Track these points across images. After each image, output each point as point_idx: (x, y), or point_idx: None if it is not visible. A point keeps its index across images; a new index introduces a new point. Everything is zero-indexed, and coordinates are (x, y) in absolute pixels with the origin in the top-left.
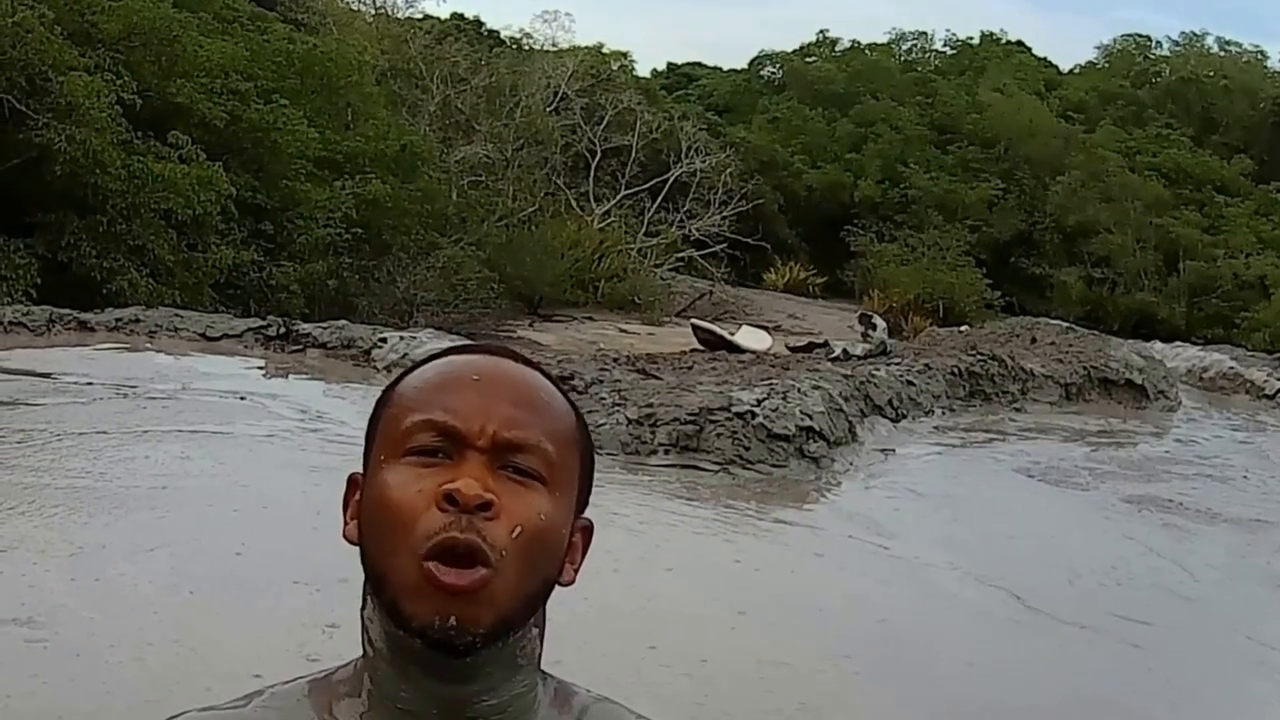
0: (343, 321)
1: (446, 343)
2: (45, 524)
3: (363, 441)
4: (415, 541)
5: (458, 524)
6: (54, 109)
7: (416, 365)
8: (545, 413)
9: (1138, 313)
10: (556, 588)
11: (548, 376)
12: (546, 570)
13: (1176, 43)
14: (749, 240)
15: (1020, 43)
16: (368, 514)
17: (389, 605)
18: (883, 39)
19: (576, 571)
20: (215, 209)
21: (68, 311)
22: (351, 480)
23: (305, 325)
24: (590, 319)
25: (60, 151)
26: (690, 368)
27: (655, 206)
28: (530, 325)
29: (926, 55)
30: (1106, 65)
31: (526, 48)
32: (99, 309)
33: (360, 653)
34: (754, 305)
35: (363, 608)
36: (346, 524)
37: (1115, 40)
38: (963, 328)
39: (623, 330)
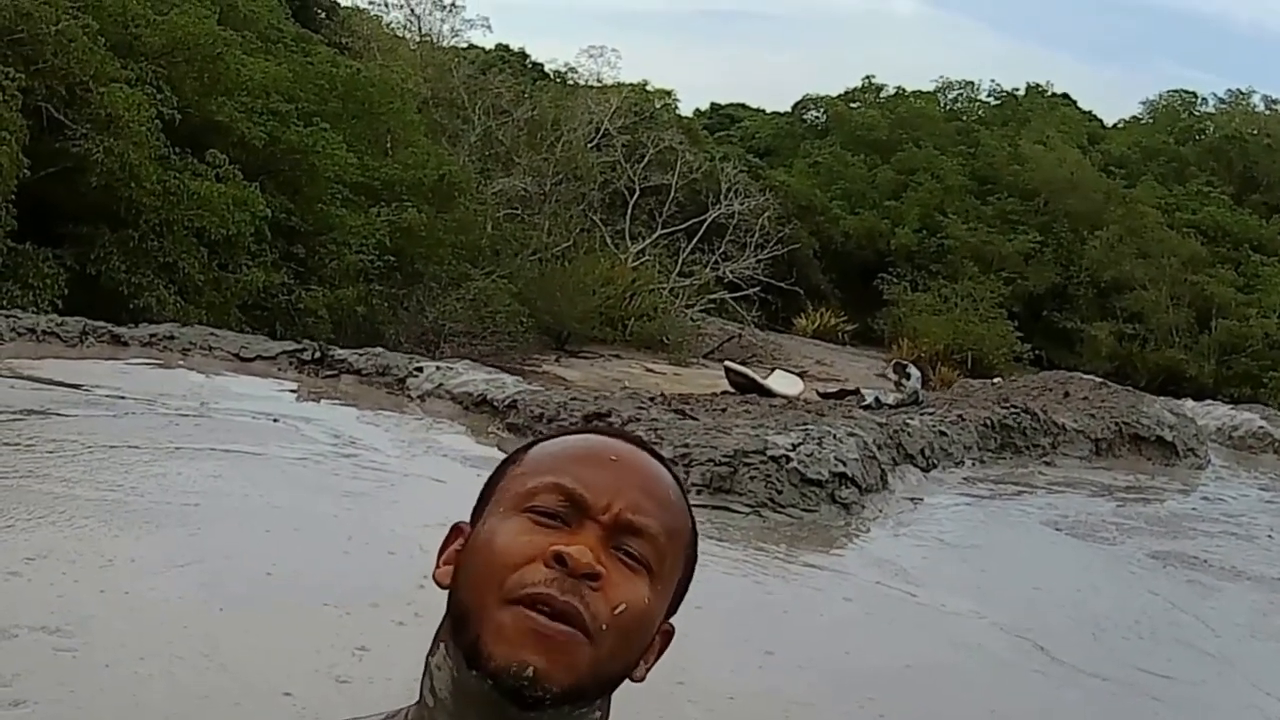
0: (379, 349)
1: (483, 375)
2: (75, 535)
3: (475, 497)
4: (509, 587)
5: (560, 584)
6: (93, 120)
7: (555, 435)
8: (669, 509)
9: (1166, 369)
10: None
11: (677, 480)
12: (631, 656)
13: (1222, 100)
14: (782, 284)
15: (1065, 95)
16: (469, 555)
17: (469, 644)
18: (929, 87)
19: (648, 670)
20: (249, 229)
21: (101, 324)
22: (455, 528)
23: (340, 351)
24: (617, 356)
25: (97, 163)
26: (725, 410)
27: (690, 247)
28: (557, 360)
29: (971, 105)
30: (1151, 121)
31: (571, 82)
32: (128, 324)
33: (415, 699)
34: (782, 350)
35: (430, 653)
36: (438, 567)
37: (1161, 96)
38: (995, 379)
39: (649, 369)
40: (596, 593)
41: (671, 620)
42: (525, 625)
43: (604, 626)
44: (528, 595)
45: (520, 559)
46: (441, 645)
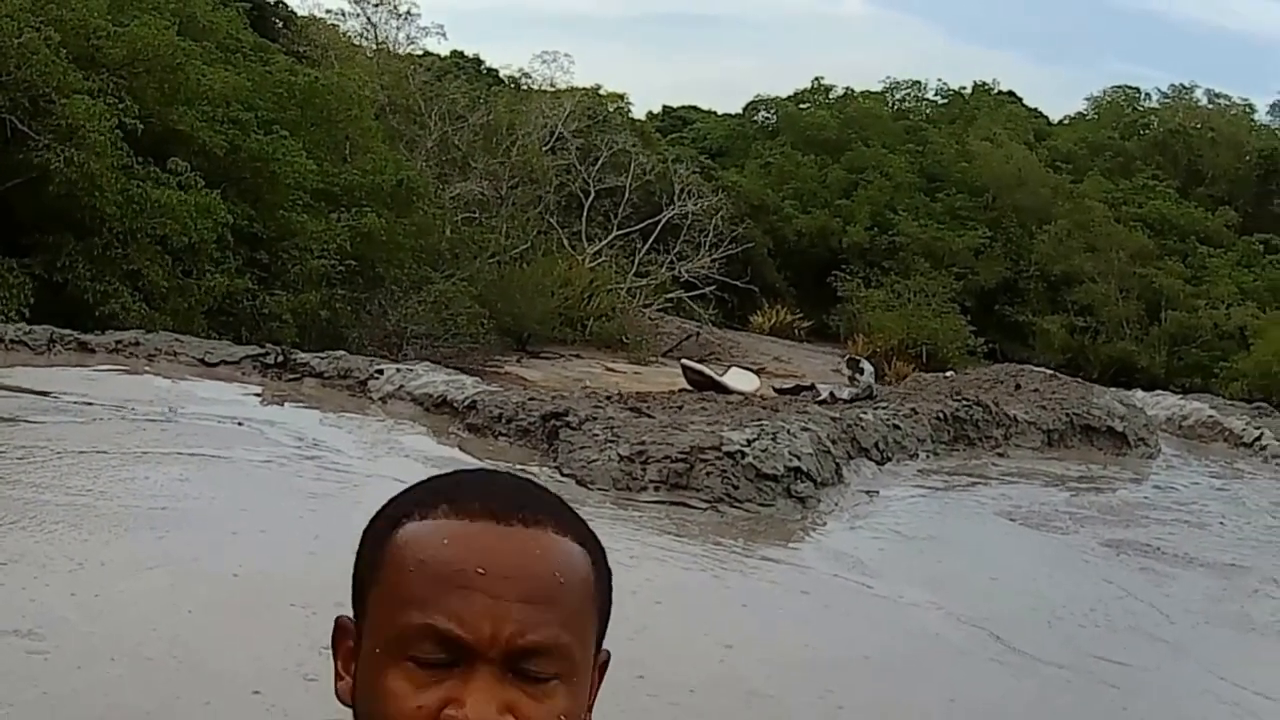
0: (340, 352)
1: (443, 376)
2: (46, 539)
3: (354, 574)
4: None
5: None
6: (55, 130)
7: (411, 510)
8: (560, 596)
9: (1118, 361)
10: None
11: (557, 517)
12: None
13: (1165, 95)
14: (737, 283)
15: (1011, 93)
16: (362, 705)
17: None
18: (877, 87)
19: (591, 709)
20: (211, 237)
21: (68, 332)
22: (340, 626)
23: (303, 354)
24: (578, 356)
25: (59, 173)
26: (681, 407)
27: (646, 247)
28: (518, 361)
29: (919, 104)
30: (1096, 116)
31: (525, 87)
32: (95, 331)
33: None
34: (740, 347)
35: None
36: (340, 678)
37: (1105, 92)
38: (947, 372)
39: (609, 369)
40: None
41: (607, 648)
42: None
43: None
44: None
45: None
46: None
